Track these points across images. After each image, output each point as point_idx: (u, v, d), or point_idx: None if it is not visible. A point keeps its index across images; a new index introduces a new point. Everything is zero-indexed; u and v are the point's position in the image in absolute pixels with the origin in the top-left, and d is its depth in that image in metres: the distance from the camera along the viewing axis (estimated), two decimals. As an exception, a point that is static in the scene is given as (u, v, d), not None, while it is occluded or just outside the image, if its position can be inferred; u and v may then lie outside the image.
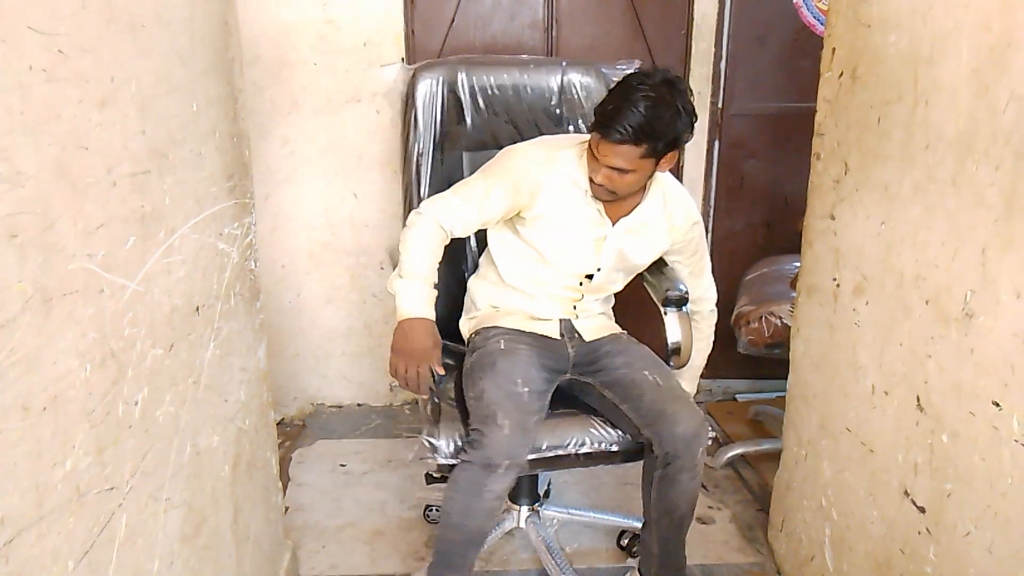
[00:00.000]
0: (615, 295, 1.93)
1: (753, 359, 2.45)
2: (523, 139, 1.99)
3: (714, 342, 1.95)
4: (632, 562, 1.98)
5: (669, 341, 1.78)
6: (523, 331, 1.75)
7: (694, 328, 1.84)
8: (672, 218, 1.78)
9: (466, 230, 1.72)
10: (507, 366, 1.62)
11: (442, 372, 1.59)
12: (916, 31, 1.31)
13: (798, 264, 1.84)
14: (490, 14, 2.61)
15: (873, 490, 1.49)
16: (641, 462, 1.70)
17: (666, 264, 1.87)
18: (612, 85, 1.74)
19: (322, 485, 2.39)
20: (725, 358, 2.80)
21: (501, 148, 1.80)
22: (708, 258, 1.91)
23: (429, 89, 1.95)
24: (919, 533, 1.34)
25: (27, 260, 0.76)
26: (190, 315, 1.18)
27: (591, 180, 1.64)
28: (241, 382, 1.45)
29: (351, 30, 2.51)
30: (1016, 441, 1.10)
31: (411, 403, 2.86)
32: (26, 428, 0.76)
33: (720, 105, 2.79)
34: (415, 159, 1.95)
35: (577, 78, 2.07)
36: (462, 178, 1.91)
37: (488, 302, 1.84)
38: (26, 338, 0.76)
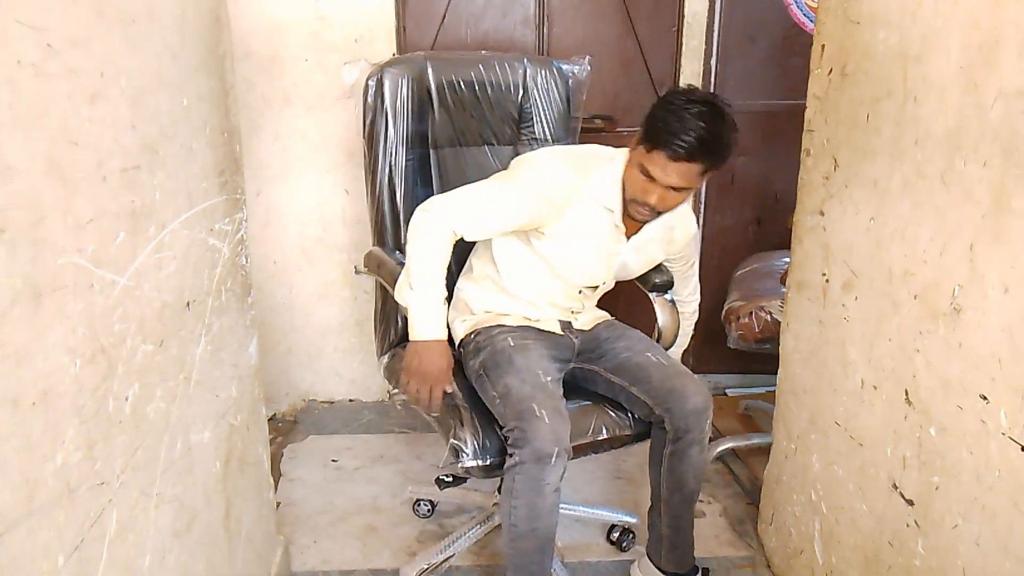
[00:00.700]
0: None
1: (743, 354, 2.46)
2: (494, 137, 2.04)
3: (705, 337, 1.98)
4: (629, 555, 2.00)
5: (660, 324, 1.88)
6: (526, 327, 1.75)
7: (686, 289, 1.98)
8: (673, 231, 1.81)
9: (478, 235, 1.64)
10: (524, 361, 1.61)
11: (451, 390, 1.59)
12: (905, 28, 1.32)
13: (788, 260, 1.85)
14: (481, 11, 2.61)
15: (862, 484, 1.50)
16: (637, 448, 1.74)
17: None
18: (569, 81, 1.74)
19: (314, 480, 2.39)
20: (715, 353, 2.81)
21: (468, 145, 1.81)
22: (697, 265, 1.97)
23: (396, 86, 1.88)
24: (907, 526, 1.36)
25: (16, 255, 0.76)
26: (181, 311, 1.18)
27: (635, 201, 1.61)
28: (232, 378, 1.45)
29: (342, 26, 2.51)
30: (1003, 434, 1.11)
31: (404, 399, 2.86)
32: (16, 423, 0.76)
33: (711, 102, 2.79)
34: (386, 159, 1.89)
35: (536, 73, 2.05)
36: (432, 177, 1.96)
37: (484, 308, 1.81)
38: (15, 333, 0.76)
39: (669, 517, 1.75)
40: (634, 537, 2.05)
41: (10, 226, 0.75)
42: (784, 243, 1.92)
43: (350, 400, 2.89)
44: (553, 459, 1.48)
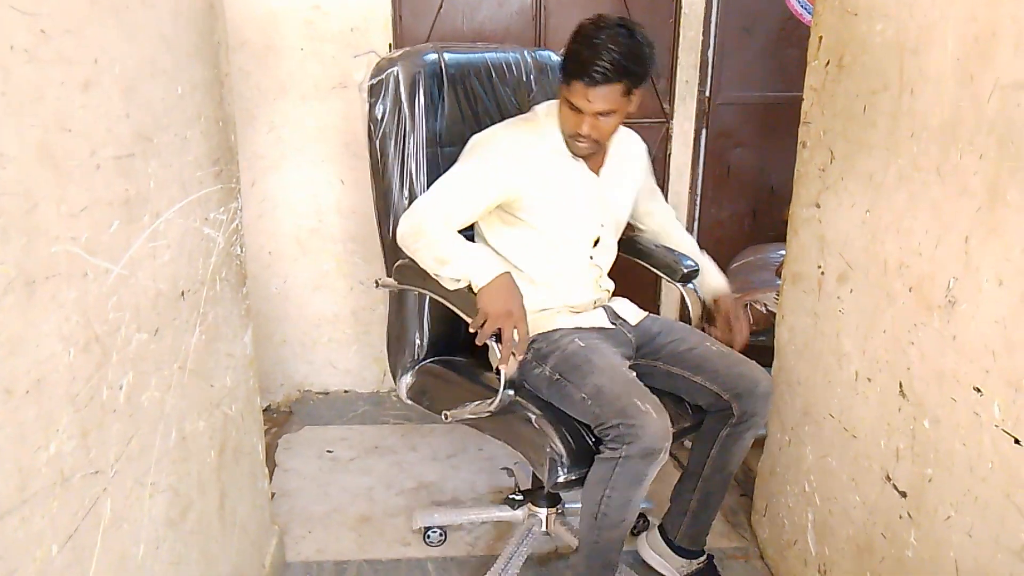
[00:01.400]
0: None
1: (738, 346, 2.47)
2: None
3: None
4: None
5: (693, 314, 1.89)
6: (582, 327, 1.73)
7: (680, 233, 2.00)
8: (630, 148, 1.88)
9: (466, 220, 1.67)
10: (603, 360, 1.59)
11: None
12: (902, 20, 1.31)
13: (783, 252, 1.85)
14: (478, 1, 2.60)
15: (855, 475, 1.51)
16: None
17: (659, 241, 1.97)
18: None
19: (309, 471, 2.39)
20: (711, 346, 2.80)
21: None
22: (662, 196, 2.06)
23: (412, 79, 1.78)
24: (900, 517, 1.36)
25: (10, 242, 0.76)
26: (175, 300, 1.18)
27: (573, 137, 1.66)
28: (227, 368, 1.45)
29: (338, 16, 2.49)
30: (996, 427, 1.12)
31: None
32: (9, 411, 0.76)
33: (708, 94, 2.79)
34: (398, 155, 1.80)
35: (541, 65, 2.04)
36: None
37: None
38: (8, 321, 0.76)
39: (703, 494, 1.77)
40: (647, 523, 2.06)
41: (3, 213, 0.74)
42: (779, 235, 1.92)
43: (345, 391, 2.89)
44: (663, 454, 1.48)
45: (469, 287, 1.53)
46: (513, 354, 1.51)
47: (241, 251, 1.54)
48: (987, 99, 1.12)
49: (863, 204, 1.45)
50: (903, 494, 1.36)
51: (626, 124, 2.81)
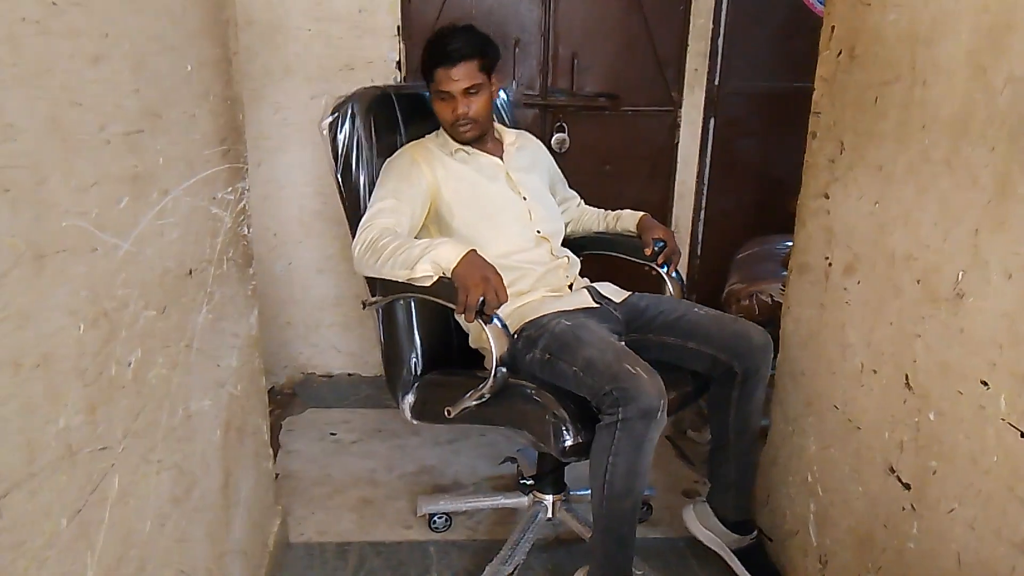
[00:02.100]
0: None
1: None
2: None
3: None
4: (646, 526, 2.04)
5: (672, 289, 1.98)
6: (566, 310, 1.76)
7: (592, 210, 2.16)
8: (523, 140, 2.03)
9: (406, 231, 1.74)
10: (590, 334, 1.62)
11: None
12: (915, 11, 1.31)
13: (789, 243, 1.85)
14: (488, -16, 2.59)
15: (858, 467, 1.51)
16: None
17: (619, 229, 2.07)
18: (509, 99, 2.18)
19: (312, 453, 2.40)
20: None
21: None
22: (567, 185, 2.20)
23: (368, 106, 1.89)
24: (903, 509, 1.36)
25: (19, 215, 0.75)
26: (183, 278, 1.18)
27: (455, 124, 1.83)
28: (233, 347, 1.45)
29: (346, -3, 2.48)
30: (1002, 420, 1.12)
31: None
32: (17, 384, 0.76)
33: (716, 82, 2.78)
34: (367, 182, 1.86)
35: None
36: None
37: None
38: (17, 294, 0.75)
39: (737, 460, 1.79)
40: (649, 509, 2.08)
41: (13, 186, 0.74)
42: (785, 226, 1.92)
43: (348, 374, 2.90)
44: (660, 412, 1.48)
45: (442, 276, 1.55)
46: (503, 327, 1.57)
47: (248, 231, 1.54)
48: (1000, 91, 1.11)
49: (872, 195, 1.44)
50: (906, 486, 1.36)
51: (634, 110, 2.83)
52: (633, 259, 1.99)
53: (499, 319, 1.56)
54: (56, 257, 0.82)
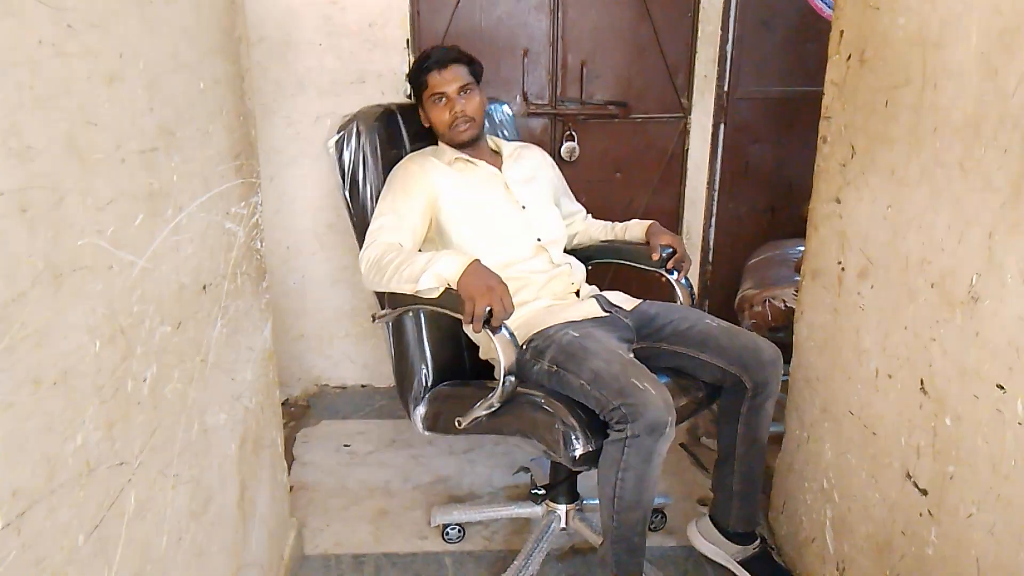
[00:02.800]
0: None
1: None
2: None
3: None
4: (661, 535, 2.02)
5: (681, 296, 1.97)
6: (574, 320, 1.76)
7: (599, 222, 2.16)
8: (528, 150, 2.07)
9: (409, 244, 1.77)
10: (598, 345, 1.62)
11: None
12: (925, 14, 1.30)
13: (802, 248, 1.84)
14: (496, -5, 2.60)
15: (875, 473, 1.50)
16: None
17: (627, 239, 2.05)
18: (511, 113, 2.24)
19: (327, 465, 2.40)
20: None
21: None
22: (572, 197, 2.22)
23: (372, 123, 1.94)
24: (920, 515, 1.35)
25: (37, 235, 0.76)
26: (198, 293, 1.19)
27: (452, 125, 1.88)
28: (248, 361, 1.46)
29: (356, 11, 2.50)
30: (1020, 424, 1.11)
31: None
32: (36, 402, 0.77)
33: (726, 88, 2.78)
34: (373, 197, 1.90)
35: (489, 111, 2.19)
36: None
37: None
38: (36, 312, 0.76)
39: (743, 472, 1.79)
40: (664, 518, 2.07)
41: (31, 206, 0.75)
42: (798, 231, 1.92)
43: (362, 385, 2.91)
44: (668, 428, 1.49)
45: (449, 287, 1.57)
46: (510, 337, 1.57)
47: (261, 245, 1.55)
48: (1012, 93, 1.10)
49: (884, 199, 1.44)
50: (924, 492, 1.35)
51: (644, 117, 2.83)
52: (641, 266, 1.99)
53: (507, 329, 1.56)
54: (73, 275, 0.83)
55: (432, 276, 1.56)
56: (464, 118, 1.88)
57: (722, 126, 2.83)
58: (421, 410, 1.85)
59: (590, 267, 2.05)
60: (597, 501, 1.99)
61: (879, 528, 1.49)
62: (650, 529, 2.03)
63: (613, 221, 2.13)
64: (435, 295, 1.58)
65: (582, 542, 1.99)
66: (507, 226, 1.90)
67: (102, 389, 0.89)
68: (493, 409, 1.63)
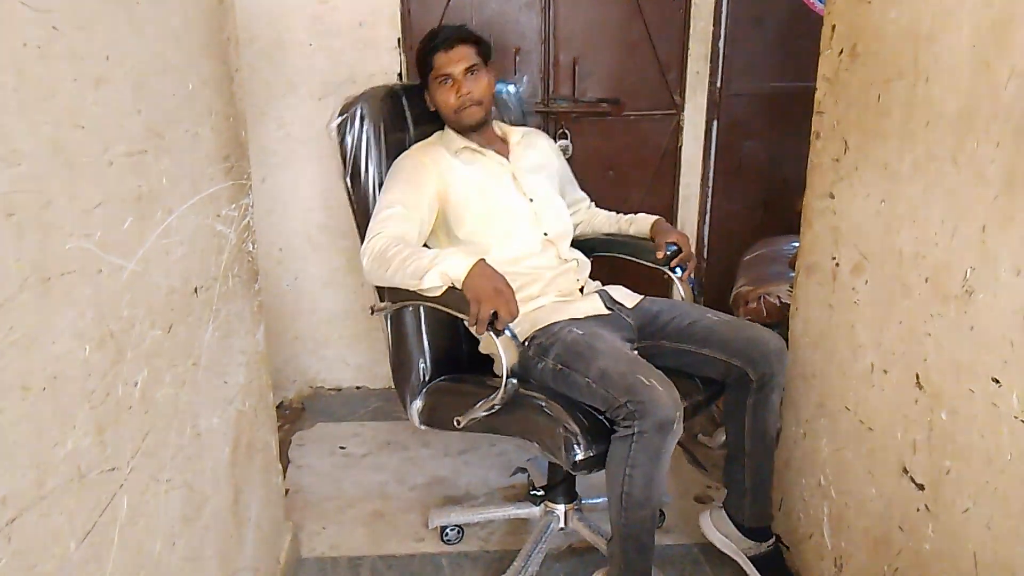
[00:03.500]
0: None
1: (751, 340, 2.45)
2: None
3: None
4: (662, 532, 2.03)
5: (684, 295, 1.96)
6: (578, 318, 1.75)
7: (605, 213, 2.12)
8: (537, 139, 2.04)
9: (415, 237, 1.73)
10: (603, 343, 1.61)
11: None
12: (916, 7, 1.30)
13: (796, 244, 1.84)
14: (487, -7, 2.60)
15: (872, 468, 1.50)
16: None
17: (632, 233, 2.03)
18: (518, 95, 2.18)
19: (322, 467, 2.39)
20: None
21: None
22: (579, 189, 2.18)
23: (376, 105, 1.88)
24: (918, 510, 1.35)
25: (24, 239, 0.76)
26: (188, 296, 1.18)
27: (459, 109, 1.82)
28: (240, 364, 1.45)
29: (346, 10, 2.49)
30: (1016, 418, 1.11)
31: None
32: (26, 408, 0.76)
33: (718, 85, 2.78)
34: (375, 185, 1.85)
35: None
36: None
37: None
38: (24, 317, 0.76)
39: (753, 467, 1.78)
40: (663, 516, 2.06)
41: (18, 210, 0.74)
42: (792, 227, 1.91)
43: (357, 387, 2.90)
44: (676, 424, 1.48)
45: (453, 286, 1.54)
46: (514, 338, 1.54)
47: (253, 248, 1.54)
48: (1004, 86, 1.10)
49: (878, 194, 1.44)
50: (920, 487, 1.34)
51: (636, 114, 2.83)
52: (644, 263, 1.97)
53: (510, 330, 1.54)
54: (62, 280, 0.82)
55: (437, 274, 1.53)
56: (471, 100, 1.82)
57: (715, 123, 2.83)
58: (418, 404, 1.82)
59: (592, 259, 2.02)
60: (596, 500, 2.00)
61: (876, 523, 1.49)
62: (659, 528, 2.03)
63: (620, 213, 2.10)
64: (439, 293, 1.56)
65: (580, 542, 1.99)
66: (514, 220, 1.86)
67: (92, 394, 0.88)
68: (494, 410, 1.61)
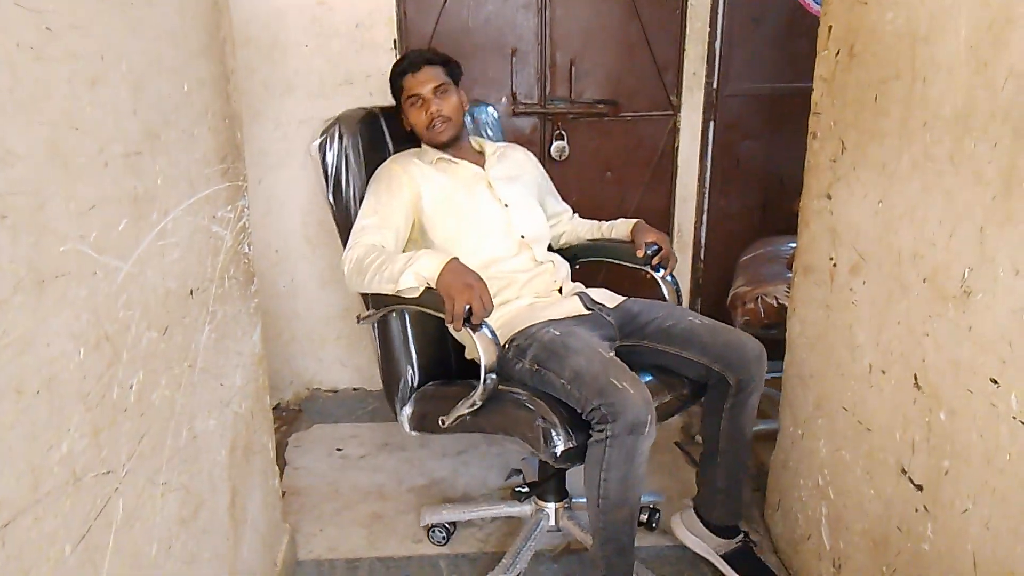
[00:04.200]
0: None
1: (749, 340, 2.45)
2: None
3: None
4: (658, 534, 2.02)
5: (667, 293, 1.98)
6: (558, 319, 1.76)
7: (587, 221, 2.16)
8: (514, 151, 2.09)
9: (392, 245, 1.78)
10: (579, 343, 1.62)
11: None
12: (913, 8, 1.30)
13: (794, 245, 1.84)
14: (483, -5, 2.59)
15: (870, 468, 1.50)
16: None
17: (613, 236, 2.06)
18: (496, 115, 2.26)
19: (319, 469, 2.39)
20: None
21: None
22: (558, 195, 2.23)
23: (355, 124, 1.94)
24: (916, 510, 1.35)
25: (19, 241, 0.75)
26: (184, 298, 1.17)
27: (430, 126, 1.89)
28: (237, 366, 1.44)
29: (343, 11, 2.49)
30: (1014, 418, 1.10)
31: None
32: (20, 410, 0.76)
33: (715, 85, 2.77)
34: (357, 200, 1.90)
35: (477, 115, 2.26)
36: None
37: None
38: (18, 320, 0.75)
39: (727, 468, 1.79)
40: (660, 516, 2.06)
41: (12, 212, 0.74)
42: (790, 228, 1.91)
43: (354, 388, 2.89)
44: (647, 427, 1.49)
45: (429, 286, 1.57)
46: (491, 335, 1.57)
47: (249, 249, 1.53)
48: (1001, 86, 1.10)
49: (875, 194, 1.44)
50: (919, 487, 1.34)
51: (633, 115, 2.82)
52: (626, 264, 1.99)
53: (487, 327, 1.56)
54: (56, 282, 0.81)
55: (412, 275, 1.57)
56: (441, 118, 1.89)
57: (712, 123, 2.83)
58: (408, 410, 1.84)
59: (577, 266, 2.05)
60: (586, 500, 2.00)
61: (875, 524, 1.49)
62: (650, 528, 2.03)
63: (602, 220, 2.13)
64: (416, 295, 1.59)
65: (577, 541, 1.99)
66: (489, 223, 1.89)
67: (87, 396, 0.88)
68: (475, 408, 1.63)
